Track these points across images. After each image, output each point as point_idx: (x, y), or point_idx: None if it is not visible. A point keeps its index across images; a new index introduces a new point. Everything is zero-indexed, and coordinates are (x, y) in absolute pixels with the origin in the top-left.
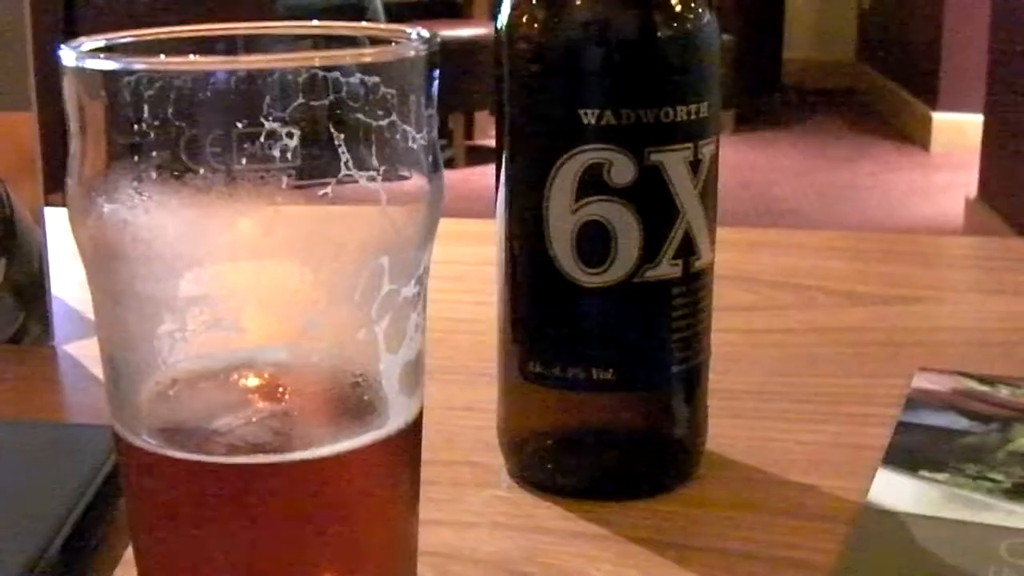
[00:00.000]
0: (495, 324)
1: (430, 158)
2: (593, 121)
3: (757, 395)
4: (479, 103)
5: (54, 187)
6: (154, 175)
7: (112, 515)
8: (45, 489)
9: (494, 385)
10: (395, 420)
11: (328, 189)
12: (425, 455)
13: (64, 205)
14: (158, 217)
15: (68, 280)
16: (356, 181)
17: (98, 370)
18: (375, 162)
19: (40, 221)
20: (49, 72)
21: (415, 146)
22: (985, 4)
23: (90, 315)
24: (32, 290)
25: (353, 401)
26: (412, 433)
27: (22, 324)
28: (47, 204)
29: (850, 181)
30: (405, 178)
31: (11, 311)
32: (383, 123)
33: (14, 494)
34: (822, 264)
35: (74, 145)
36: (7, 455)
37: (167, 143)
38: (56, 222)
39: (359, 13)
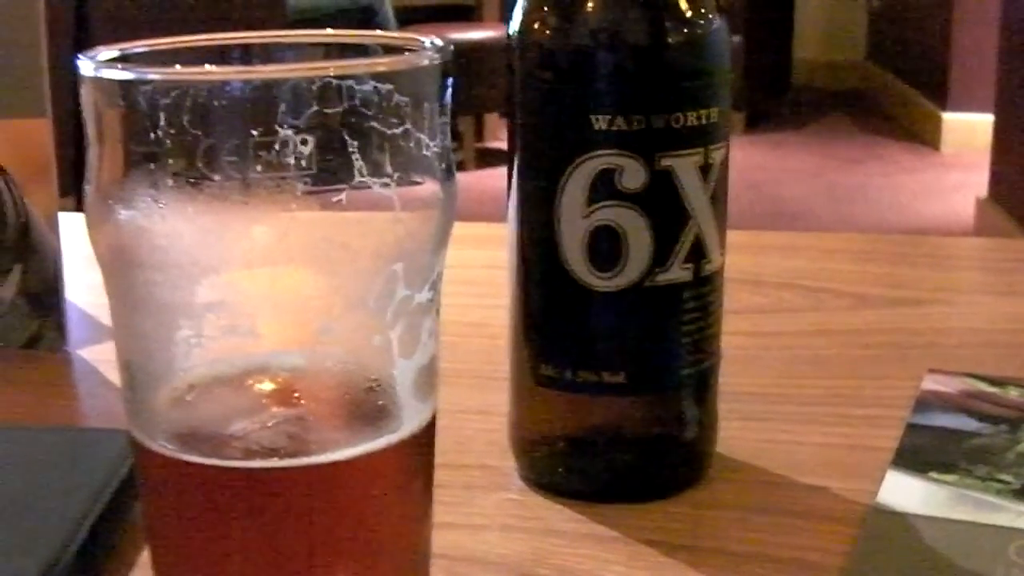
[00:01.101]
0: (506, 328)
1: (443, 165)
2: (604, 126)
3: (766, 397)
4: (489, 106)
5: (65, 192)
6: (170, 183)
7: (127, 519)
8: (61, 493)
9: (506, 389)
10: (409, 424)
11: (342, 196)
12: (437, 458)
13: (75, 210)
14: (174, 224)
15: (82, 286)
16: (370, 188)
17: (113, 375)
18: (389, 169)
19: (55, 227)
20: (59, 79)
21: (428, 153)
22: (994, 4)
23: (105, 320)
24: (47, 296)
25: (368, 406)
26: (426, 437)
27: (37, 330)
28: (59, 209)
29: (860, 182)
30: (419, 184)
31: (26, 317)
32: (397, 131)
33: (30, 498)
34: (831, 266)
35: (91, 153)
36: (23, 460)
37: (183, 151)
38: (70, 228)
39: (369, 17)
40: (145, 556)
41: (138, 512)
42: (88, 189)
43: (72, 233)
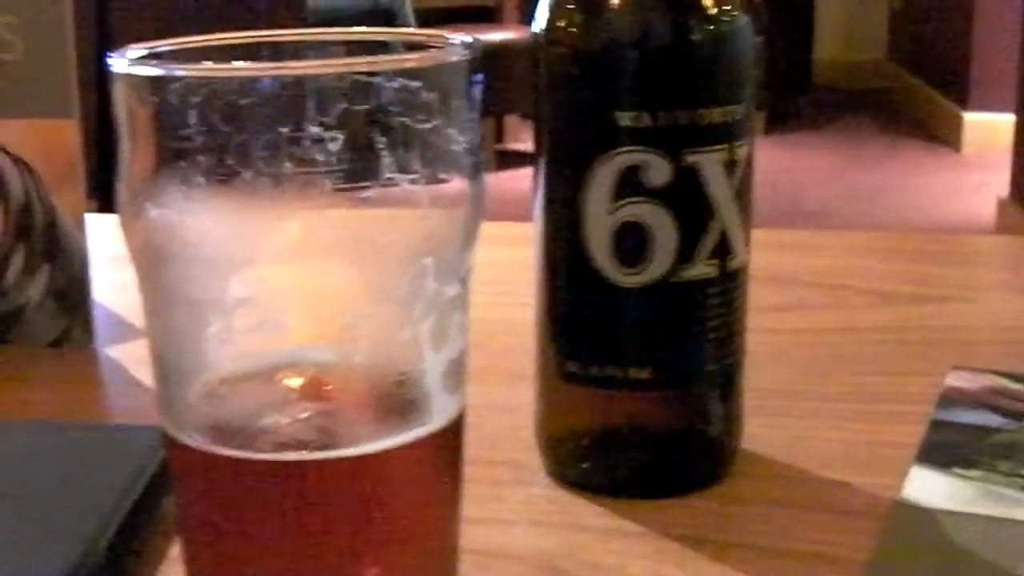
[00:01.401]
0: (532, 325)
1: (472, 161)
2: (629, 123)
3: (790, 394)
4: (509, 108)
5: (89, 193)
6: (201, 179)
7: (158, 514)
8: (91, 489)
9: (532, 385)
10: (438, 418)
11: (372, 192)
12: (465, 454)
13: (100, 211)
14: (206, 220)
15: (109, 285)
16: (399, 184)
17: (140, 372)
18: (418, 165)
19: (82, 227)
20: (80, 79)
21: (457, 149)
22: (1016, 4)
23: (131, 319)
24: (75, 295)
25: (397, 399)
26: (454, 431)
27: (65, 328)
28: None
29: (881, 182)
30: (447, 181)
31: (54, 315)
32: (425, 127)
33: (60, 493)
34: (853, 264)
35: (123, 150)
36: (53, 455)
37: (214, 148)
38: (97, 228)
39: (389, 20)
40: (175, 550)
41: (168, 507)
42: (120, 186)
43: (99, 233)
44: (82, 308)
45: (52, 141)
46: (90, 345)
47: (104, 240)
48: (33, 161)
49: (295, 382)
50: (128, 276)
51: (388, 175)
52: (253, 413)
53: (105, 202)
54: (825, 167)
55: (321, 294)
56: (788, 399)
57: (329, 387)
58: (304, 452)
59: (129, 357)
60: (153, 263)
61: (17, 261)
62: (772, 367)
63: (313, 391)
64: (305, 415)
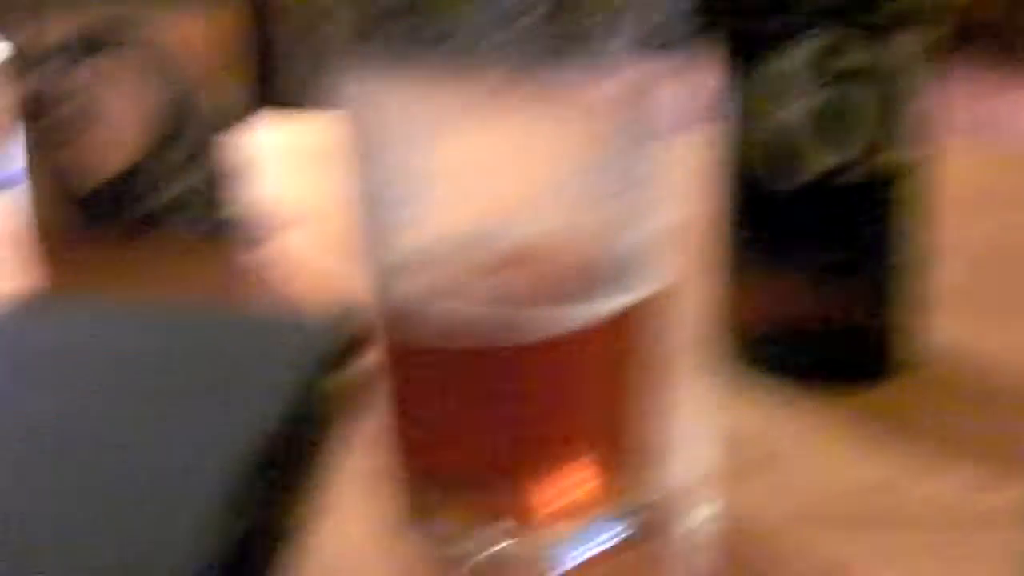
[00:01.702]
0: (707, 224)
1: (669, 38)
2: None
3: (955, 298)
4: None
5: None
6: (395, 56)
7: (330, 398)
8: (267, 373)
9: (707, 281)
10: (627, 298)
11: (568, 71)
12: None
13: (256, 104)
14: (399, 96)
15: (264, 179)
16: (596, 64)
17: (290, 267)
18: (614, 44)
19: (235, 122)
20: None
21: (649, 28)
22: None
23: (281, 214)
24: (225, 190)
25: (588, 278)
26: (644, 312)
27: (219, 220)
28: (244, 105)
29: (989, 118)
30: (643, 58)
31: (204, 211)
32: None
33: (239, 378)
34: (1012, 176)
35: (314, 34)
36: (232, 340)
37: (406, 26)
38: (251, 122)
39: None
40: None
41: (335, 389)
42: (314, 70)
43: (252, 128)
44: (233, 203)
45: (207, 34)
46: (244, 238)
47: (258, 135)
48: (187, 56)
49: (487, 260)
50: (280, 171)
51: (585, 55)
52: (442, 292)
53: (261, 96)
54: (942, 99)
55: (516, 169)
56: (954, 304)
57: (520, 265)
58: (497, 334)
59: (279, 252)
60: (345, 142)
61: (168, 156)
62: (937, 272)
63: (504, 269)
64: (496, 293)
